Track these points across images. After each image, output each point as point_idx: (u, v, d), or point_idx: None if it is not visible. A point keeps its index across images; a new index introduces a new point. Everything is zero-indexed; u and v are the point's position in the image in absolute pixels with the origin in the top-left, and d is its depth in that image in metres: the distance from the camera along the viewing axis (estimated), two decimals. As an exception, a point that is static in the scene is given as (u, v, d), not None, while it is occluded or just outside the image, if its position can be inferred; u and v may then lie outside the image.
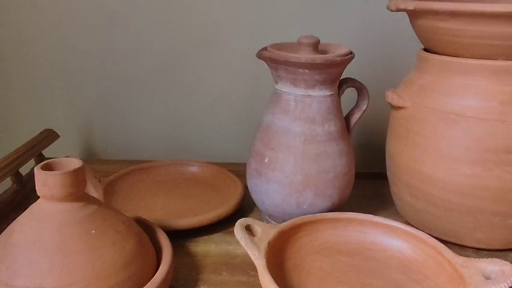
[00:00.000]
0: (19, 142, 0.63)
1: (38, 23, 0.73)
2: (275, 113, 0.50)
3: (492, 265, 0.39)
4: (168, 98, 0.77)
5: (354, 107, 0.54)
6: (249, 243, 0.41)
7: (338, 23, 0.71)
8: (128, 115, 0.79)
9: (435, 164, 0.48)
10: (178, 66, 0.75)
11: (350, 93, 0.54)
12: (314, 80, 0.48)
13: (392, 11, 0.49)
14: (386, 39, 0.71)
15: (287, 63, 0.47)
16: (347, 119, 0.54)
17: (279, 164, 0.49)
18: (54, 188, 0.36)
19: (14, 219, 0.39)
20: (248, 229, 0.44)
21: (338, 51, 0.50)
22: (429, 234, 0.46)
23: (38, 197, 0.38)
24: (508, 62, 0.44)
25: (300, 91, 0.48)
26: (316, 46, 0.48)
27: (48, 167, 0.38)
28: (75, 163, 0.38)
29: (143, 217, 0.48)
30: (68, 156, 0.41)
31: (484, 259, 0.40)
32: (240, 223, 0.44)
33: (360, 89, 0.53)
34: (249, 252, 0.41)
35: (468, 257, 0.42)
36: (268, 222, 0.55)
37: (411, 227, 0.47)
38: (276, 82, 0.51)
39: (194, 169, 0.66)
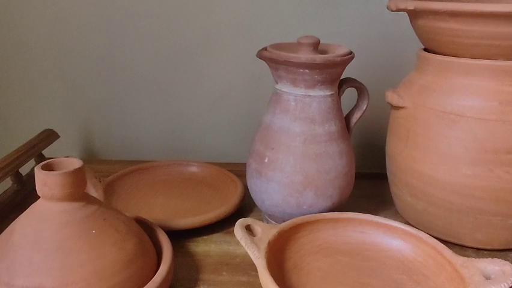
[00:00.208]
0: (19, 142, 0.63)
1: (38, 23, 0.73)
2: (275, 113, 0.50)
3: (492, 265, 0.39)
4: (168, 98, 0.77)
5: (354, 107, 0.54)
6: (249, 243, 0.41)
7: (338, 23, 0.71)
8: (128, 115, 0.79)
9: (436, 164, 0.48)
10: (178, 66, 0.75)
11: (350, 93, 0.54)
12: (314, 80, 0.48)
13: (392, 11, 0.49)
14: (386, 39, 0.71)
15: (287, 63, 0.47)
16: (347, 119, 0.54)
17: (279, 164, 0.49)
18: (54, 188, 0.36)
19: (14, 219, 0.39)
20: (248, 229, 0.44)
21: (338, 51, 0.50)
22: (429, 234, 0.46)
23: (38, 197, 0.38)
24: (508, 62, 0.44)
25: (300, 91, 0.48)
26: (316, 46, 0.48)
27: (48, 167, 0.38)
28: (75, 163, 0.38)
29: (143, 217, 0.48)
30: (68, 156, 0.41)
31: (484, 259, 0.40)
32: (240, 223, 0.44)
33: (360, 89, 0.53)
34: (249, 252, 0.41)
35: (468, 257, 0.42)
36: (268, 222, 0.55)
37: (411, 227, 0.47)
38: (276, 82, 0.51)
39: (194, 169, 0.66)
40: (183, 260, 0.48)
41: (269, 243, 0.43)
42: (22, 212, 0.39)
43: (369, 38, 0.71)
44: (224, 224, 0.53)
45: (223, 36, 0.73)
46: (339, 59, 0.47)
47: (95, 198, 0.41)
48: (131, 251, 0.39)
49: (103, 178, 0.59)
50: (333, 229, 0.49)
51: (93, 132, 0.80)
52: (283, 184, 0.49)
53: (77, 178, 0.37)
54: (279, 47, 0.50)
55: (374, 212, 0.56)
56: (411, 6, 0.46)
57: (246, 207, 0.59)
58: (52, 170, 0.37)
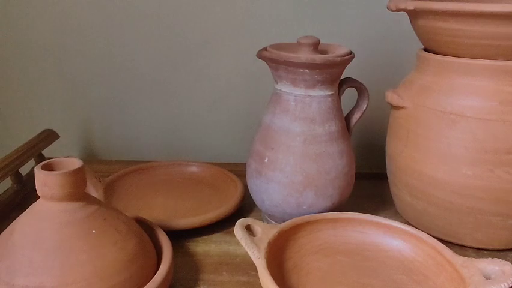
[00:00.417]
0: (19, 142, 0.63)
1: (38, 23, 0.73)
2: (275, 113, 0.50)
3: (492, 265, 0.39)
4: (168, 98, 0.77)
5: (354, 107, 0.54)
6: (249, 243, 0.41)
7: (338, 23, 0.71)
8: (128, 115, 0.79)
9: (436, 164, 0.48)
10: (178, 66, 0.75)
11: (350, 93, 0.54)
12: (314, 80, 0.48)
13: (392, 11, 0.49)
14: (386, 39, 0.71)
15: (287, 63, 0.47)
16: (347, 119, 0.54)
17: (279, 164, 0.49)
18: (54, 188, 0.36)
19: (14, 219, 0.39)
20: (248, 229, 0.44)
21: (338, 51, 0.50)
22: (429, 234, 0.46)
23: (38, 197, 0.38)
24: (508, 62, 0.44)
25: (300, 91, 0.48)
26: (316, 46, 0.48)
27: (48, 167, 0.38)
28: (75, 163, 0.38)
29: (144, 217, 0.48)
30: (68, 156, 0.41)
31: (484, 259, 0.40)
32: (240, 223, 0.44)
33: (360, 89, 0.53)
34: (249, 252, 0.41)
35: (468, 257, 0.42)
36: (268, 222, 0.55)
37: (411, 227, 0.47)
38: (276, 82, 0.51)
39: (194, 169, 0.66)
40: (183, 260, 0.48)
41: (269, 243, 0.43)
42: (22, 212, 0.39)
43: (369, 38, 0.71)
44: (224, 224, 0.53)
45: (223, 36, 0.73)
46: (339, 59, 0.47)
47: (95, 198, 0.41)
48: (131, 251, 0.39)
49: (103, 178, 0.59)
50: (333, 229, 0.49)
51: (93, 132, 0.80)
52: (283, 184, 0.49)
53: (77, 178, 0.37)
54: (279, 47, 0.50)
55: (374, 212, 0.56)
56: (411, 6, 0.46)
57: (246, 207, 0.59)
58: (52, 170, 0.37)
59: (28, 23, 0.74)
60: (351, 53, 0.49)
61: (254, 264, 0.40)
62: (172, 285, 0.43)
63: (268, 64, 0.50)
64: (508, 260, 0.40)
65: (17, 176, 0.60)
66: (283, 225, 0.46)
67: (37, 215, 0.37)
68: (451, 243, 0.50)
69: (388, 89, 0.53)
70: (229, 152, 0.79)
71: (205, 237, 0.52)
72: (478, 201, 0.46)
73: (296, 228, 0.47)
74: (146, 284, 0.37)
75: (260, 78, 0.74)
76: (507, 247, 0.50)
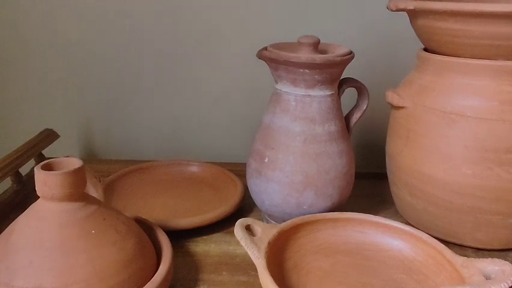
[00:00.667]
0: (19, 142, 0.63)
1: (38, 23, 0.73)
2: (275, 112, 0.50)
3: (492, 265, 0.39)
4: (168, 98, 0.77)
5: (354, 107, 0.54)
6: (249, 243, 0.41)
7: (338, 23, 0.71)
8: (128, 115, 0.79)
9: (436, 164, 0.48)
10: (178, 66, 0.75)
11: (350, 93, 0.54)
12: (314, 79, 0.48)
13: (392, 11, 0.49)
14: (386, 39, 0.71)
15: (287, 63, 0.47)
16: (347, 119, 0.54)
17: (279, 164, 0.49)
18: (54, 188, 0.36)
19: (14, 219, 0.39)
20: (248, 229, 0.44)
21: (338, 51, 0.50)
22: (429, 234, 0.46)
23: (38, 197, 0.38)
24: (508, 62, 0.44)
25: (300, 91, 0.48)
26: (316, 46, 0.48)
27: (48, 167, 0.38)
28: (75, 163, 0.38)
29: (143, 217, 0.48)
30: (68, 156, 0.41)
31: (484, 259, 0.40)
32: (240, 223, 0.44)
33: (360, 89, 0.53)
34: (249, 252, 0.41)
35: (468, 257, 0.42)
36: (268, 222, 0.55)
37: (411, 227, 0.47)
38: (276, 82, 0.51)
39: (194, 169, 0.66)
40: (183, 260, 0.48)
41: (269, 243, 0.43)
42: (22, 212, 0.39)
43: (369, 38, 0.71)
44: (224, 224, 0.53)
45: (223, 36, 0.73)
46: (339, 58, 0.47)
47: (95, 198, 0.41)
48: (130, 251, 0.39)
49: (103, 178, 0.59)
50: (333, 229, 0.49)
51: (93, 131, 0.80)
52: (283, 184, 0.49)
53: (77, 178, 0.37)
54: (279, 47, 0.50)
55: (374, 211, 0.56)
56: (411, 6, 0.46)
57: (246, 207, 0.59)
58: (52, 170, 0.37)
59: (28, 23, 0.74)
60: (351, 52, 0.49)
61: (254, 264, 0.40)
62: (172, 285, 0.43)
63: (268, 64, 0.50)
64: (508, 260, 0.40)
65: (17, 176, 0.60)
66: (283, 225, 0.46)
67: (37, 215, 0.37)
68: (450, 243, 0.50)
69: (388, 89, 0.53)
70: (229, 151, 0.79)
71: (205, 237, 0.52)
72: (478, 200, 0.46)
73: (296, 228, 0.47)
74: (146, 284, 0.37)
75: (260, 78, 0.74)
76: (507, 247, 0.50)
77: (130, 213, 0.47)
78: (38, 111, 0.79)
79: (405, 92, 0.51)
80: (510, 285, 0.37)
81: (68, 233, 0.36)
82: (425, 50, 0.51)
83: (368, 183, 0.66)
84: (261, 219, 0.56)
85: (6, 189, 0.61)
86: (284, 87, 0.49)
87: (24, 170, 0.62)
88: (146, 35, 0.73)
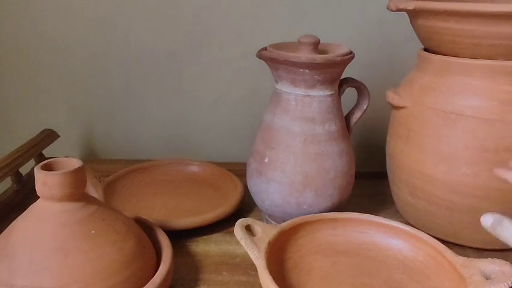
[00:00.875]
0: (19, 142, 0.63)
1: (38, 23, 0.73)
2: (275, 112, 0.50)
3: (492, 265, 0.39)
4: (168, 98, 0.77)
5: (354, 106, 0.54)
6: (249, 243, 0.41)
7: (338, 23, 0.71)
8: (128, 115, 0.79)
9: (436, 164, 0.48)
10: (178, 66, 0.75)
11: (350, 93, 0.54)
12: (314, 79, 0.47)
13: (392, 11, 0.49)
14: (386, 39, 0.71)
15: (287, 63, 0.47)
16: (347, 118, 0.54)
17: (280, 164, 0.49)
18: (54, 188, 0.36)
19: (14, 219, 0.39)
20: (248, 229, 0.44)
21: (338, 50, 0.50)
22: (429, 234, 0.46)
23: (38, 197, 0.38)
24: (508, 62, 0.44)
25: (300, 91, 0.48)
26: (316, 46, 0.48)
27: (48, 167, 0.38)
28: (75, 163, 0.38)
29: (143, 217, 0.48)
30: (68, 156, 0.41)
31: (484, 259, 0.40)
32: (240, 223, 0.44)
33: (361, 88, 0.53)
34: (249, 252, 0.41)
35: (468, 257, 0.42)
36: (268, 222, 0.55)
37: (411, 227, 0.47)
38: (276, 82, 0.50)
39: (194, 169, 0.66)
40: (183, 260, 0.48)
41: (269, 243, 0.43)
42: (22, 212, 0.39)
43: (369, 38, 0.71)
44: (224, 224, 0.53)
45: (223, 36, 0.73)
46: (339, 58, 0.47)
47: (94, 198, 0.41)
48: (130, 251, 0.39)
49: (103, 178, 0.59)
50: (333, 229, 0.49)
51: (93, 131, 0.80)
52: (283, 184, 0.49)
53: (77, 178, 0.37)
54: (279, 46, 0.50)
55: (374, 211, 0.56)
56: (411, 6, 0.46)
57: (246, 207, 0.59)
58: (52, 170, 0.37)
59: (28, 23, 0.74)
60: (351, 52, 0.49)
61: (254, 264, 0.40)
62: (172, 285, 0.43)
63: (268, 64, 0.50)
64: (508, 260, 0.40)
65: (17, 176, 0.60)
66: (283, 225, 0.46)
67: (37, 215, 0.37)
68: (451, 243, 0.50)
69: (388, 89, 0.53)
70: (229, 152, 0.79)
71: (205, 237, 0.52)
72: (478, 200, 0.46)
73: (296, 228, 0.47)
74: (145, 284, 0.37)
75: (260, 78, 0.74)
76: (507, 247, 0.50)
77: (130, 213, 0.47)
78: (38, 111, 0.79)
79: (405, 91, 0.51)
80: (510, 285, 0.37)
81: (68, 233, 0.36)
82: (425, 50, 0.51)
83: (368, 183, 0.66)
84: (261, 219, 0.56)
85: (6, 189, 0.61)
86: (284, 87, 0.49)
87: (24, 170, 0.62)
88: (146, 35, 0.73)
